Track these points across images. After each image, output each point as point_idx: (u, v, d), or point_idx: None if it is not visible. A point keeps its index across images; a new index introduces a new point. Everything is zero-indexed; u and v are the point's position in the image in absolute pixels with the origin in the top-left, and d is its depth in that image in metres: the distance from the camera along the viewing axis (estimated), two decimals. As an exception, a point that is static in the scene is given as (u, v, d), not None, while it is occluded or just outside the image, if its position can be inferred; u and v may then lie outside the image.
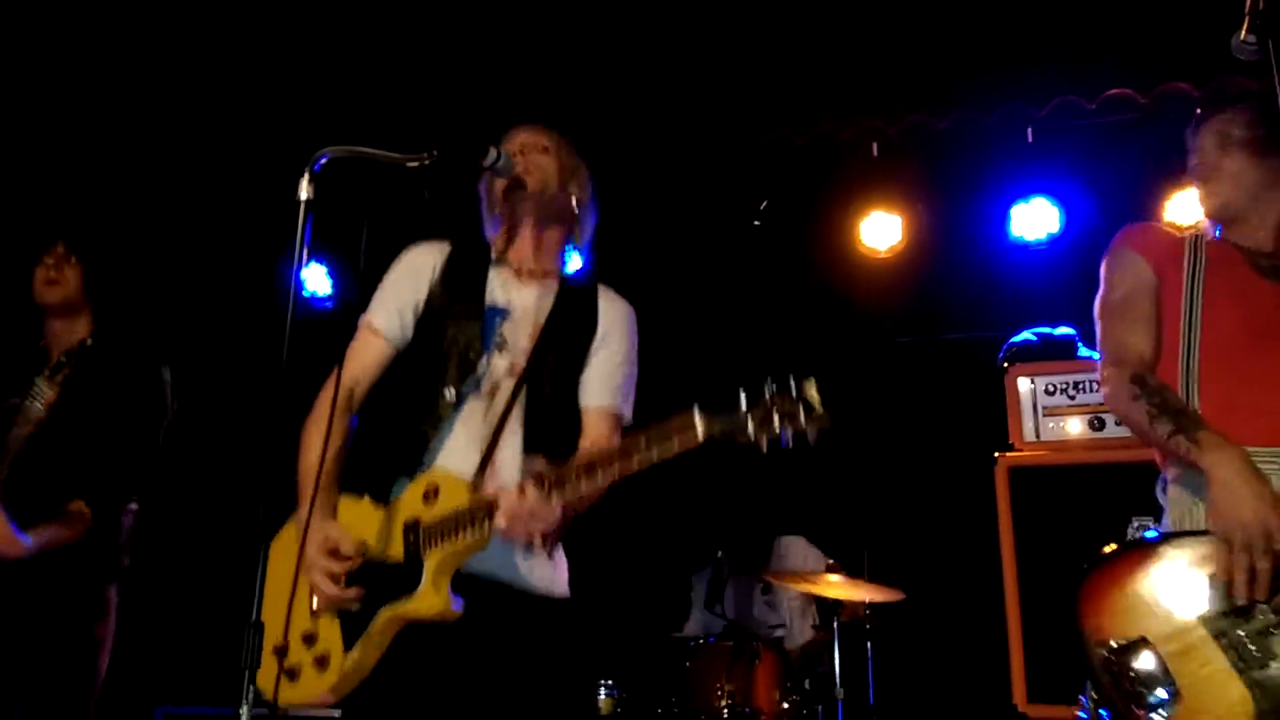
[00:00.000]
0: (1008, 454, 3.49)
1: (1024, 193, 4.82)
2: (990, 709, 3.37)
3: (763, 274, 5.15)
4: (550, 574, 2.13)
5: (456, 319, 2.17)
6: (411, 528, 1.97)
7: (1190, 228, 2.32)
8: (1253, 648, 1.76)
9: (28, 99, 4.42)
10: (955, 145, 4.79)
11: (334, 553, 1.97)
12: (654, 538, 5.18)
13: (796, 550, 4.79)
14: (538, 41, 4.20)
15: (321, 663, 1.95)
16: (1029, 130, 4.73)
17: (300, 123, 4.33)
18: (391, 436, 2.13)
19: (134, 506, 2.97)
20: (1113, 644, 1.82)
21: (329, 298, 5.32)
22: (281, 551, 2.00)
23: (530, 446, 2.07)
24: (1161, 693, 1.76)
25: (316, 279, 5.26)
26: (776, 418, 1.65)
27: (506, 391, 2.10)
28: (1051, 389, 3.55)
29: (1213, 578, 1.82)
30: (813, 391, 1.66)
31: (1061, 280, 4.56)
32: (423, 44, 4.29)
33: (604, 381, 2.19)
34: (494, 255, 2.29)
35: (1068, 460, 3.41)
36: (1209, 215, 2.23)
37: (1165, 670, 1.78)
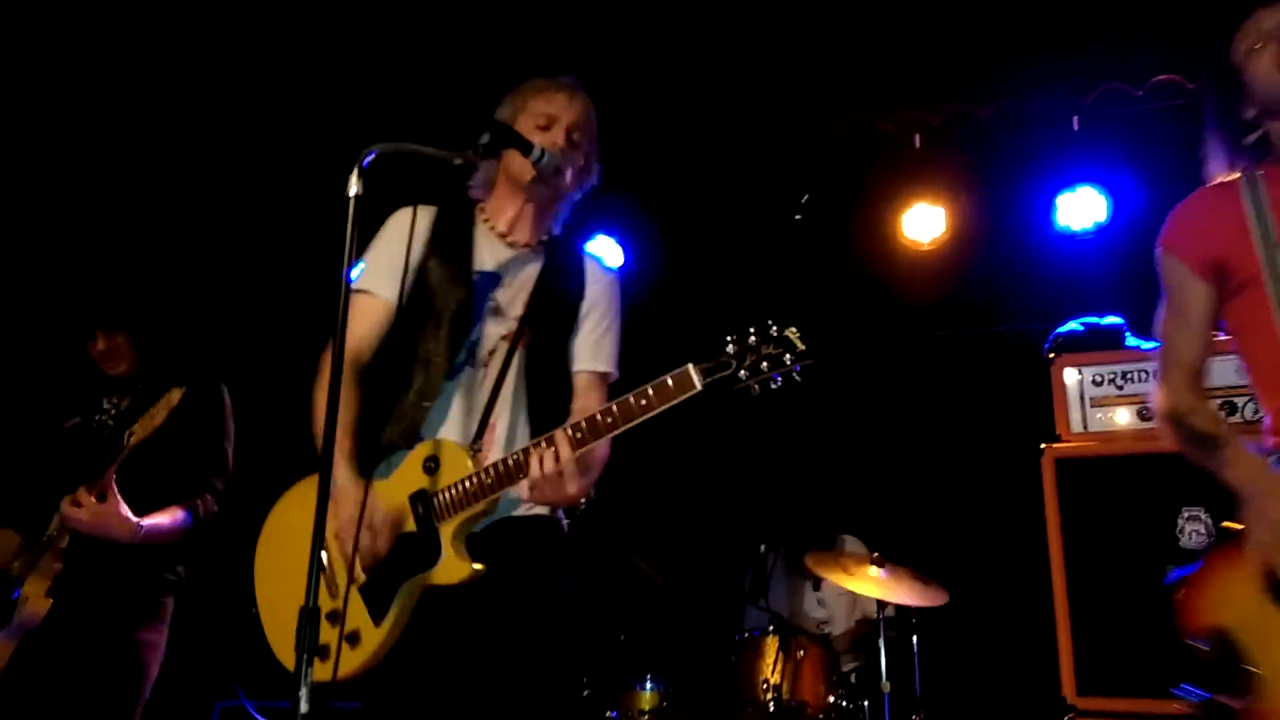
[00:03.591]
0: (1054, 445, 3.45)
1: (1070, 182, 4.77)
2: (1039, 702, 3.34)
3: (805, 267, 5.13)
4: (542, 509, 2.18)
5: (446, 286, 2.17)
6: (419, 498, 2.02)
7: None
8: None
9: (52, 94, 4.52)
10: (999, 134, 4.75)
11: (362, 524, 1.97)
12: (703, 532, 5.20)
13: (850, 548, 4.77)
14: (578, 32, 4.23)
15: (353, 639, 1.99)
16: (1075, 118, 4.67)
17: (338, 125, 4.39)
18: (385, 408, 2.12)
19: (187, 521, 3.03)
20: (1200, 633, 1.88)
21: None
22: (295, 508, 2.10)
23: (534, 410, 2.11)
24: (1249, 678, 1.81)
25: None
26: (763, 361, 1.78)
27: (501, 358, 2.13)
28: (1099, 379, 3.50)
29: None
30: (792, 333, 1.79)
31: (1109, 271, 4.49)
32: (463, 36, 4.33)
33: (594, 346, 2.24)
34: (482, 221, 2.29)
35: (1116, 451, 3.36)
36: (1268, 104, 2.01)
37: (1249, 657, 1.82)
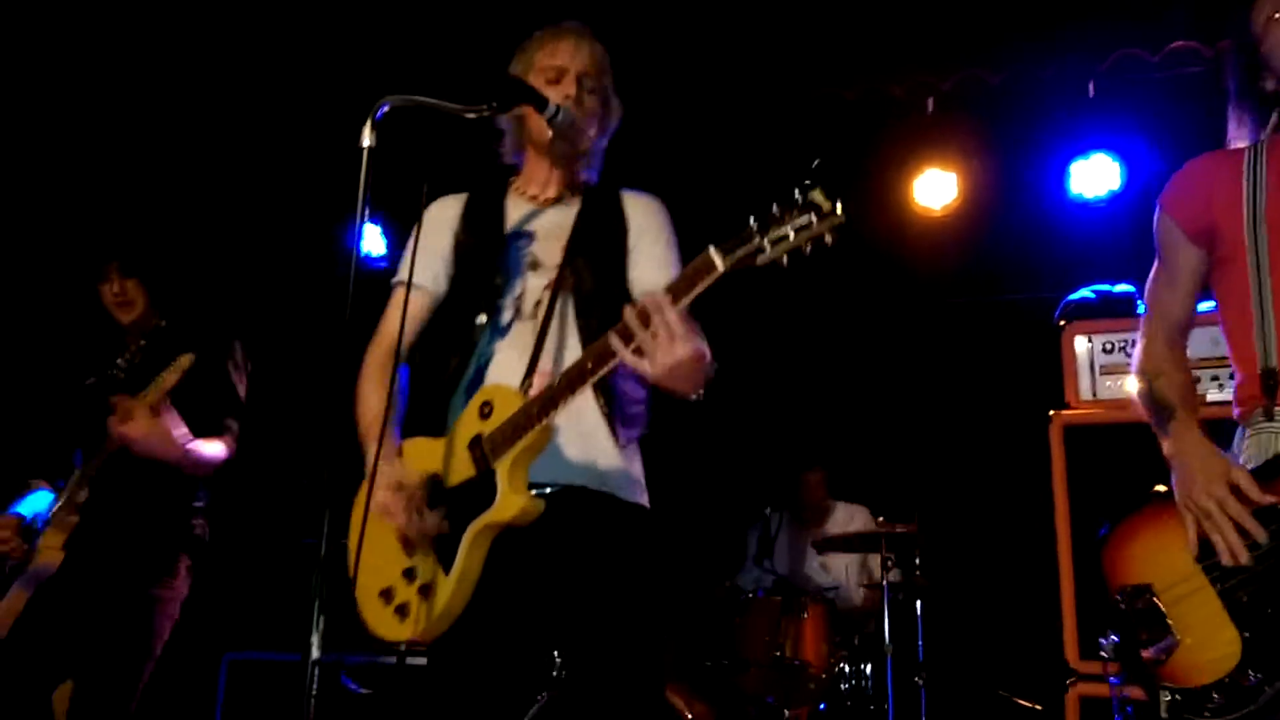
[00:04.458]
0: (1063, 412, 3.45)
1: (1084, 149, 4.73)
2: (1041, 666, 3.37)
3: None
4: (619, 472, 2.11)
5: (483, 256, 2.19)
6: (475, 443, 1.98)
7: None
8: (1240, 592, 1.83)
9: (69, 64, 4.50)
10: (1012, 100, 4.70)
11: (400, 487, 1.98)
12: (706, 491, 5.22)
13: (857, 519, 4.80)
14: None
15: (426, 591, 1.98)
16: (1090, 84, 4.62)
17: (348, 85, 4.37)
18: (441, 378, 2.15)
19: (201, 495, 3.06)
20: (1124, 589, 1.94)
21: (383, 258, 5.40)
22: (361, 505, 2.03)
23: (589, 345, 2.01)
24: (1163, 634, 1.87)
25: (371, 239, 5.33)
26: (790, 230, 1.61)
27: (545, 306, 2.10)
28: (1109, 347, 3.50)
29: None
30: (819, 195, 1.62)
31: (1123, 238, 4.46)
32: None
33: (654, 268, 2.15)
34: (515, 187, 2.29)
35: (1124, 418, 3.34)
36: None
37: (1164, 614, 1.88)
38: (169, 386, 2.75)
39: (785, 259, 1.63)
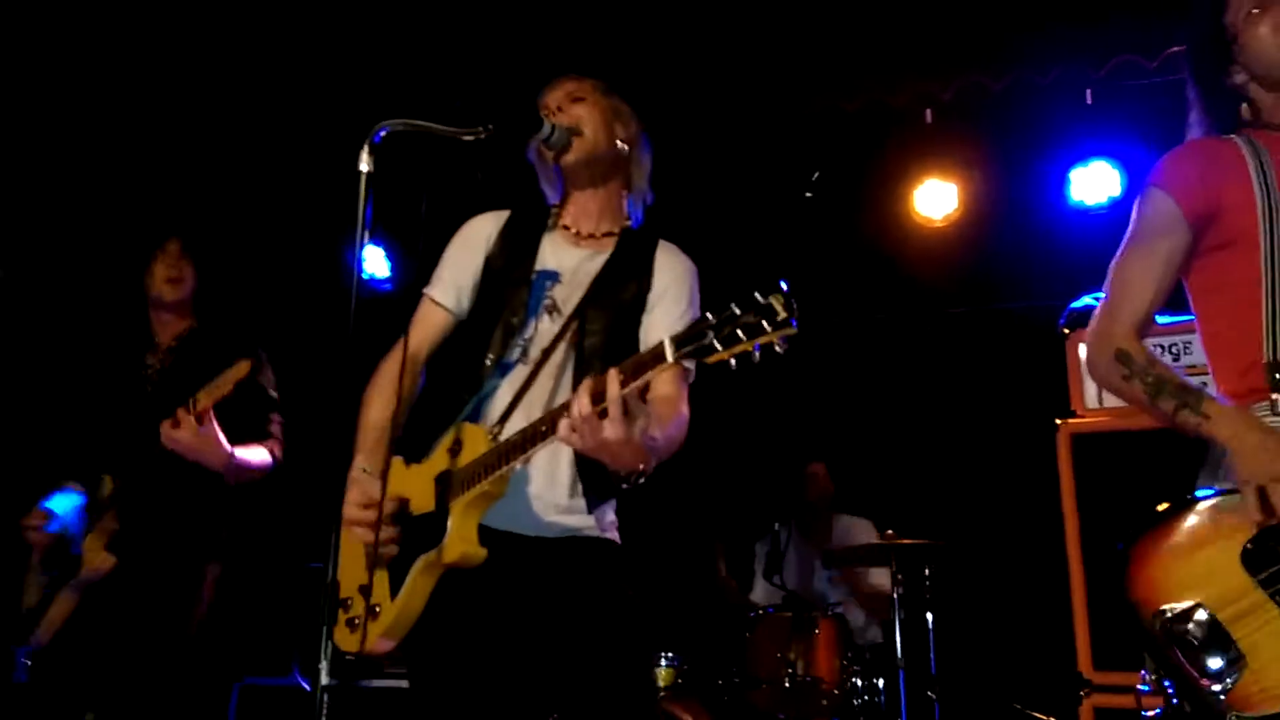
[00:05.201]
0: (1069, 420, 3.44)
1: (1083, 156, 4.73)
2: (1054, 677, 3.34)
3: (816, 245, 5.11)
4: (585, 526, 2.12)
5: (507, 286, 2.19)
6: (440, 479, 2.02)
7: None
8: None
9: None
10: (1012, 108, 4.70)
11: (370, 505, 2.01)
12: (715, 507, 5.21)
13: (862, 533, 4.78)
14: (589, 9, 4.20)
15: (374, 612, 2.03)
16: (1088, 91, 4.62)
17: (348, 106, 4.39)
18: (439, 404, 2.17)
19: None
20: (1167, 612, 1.75)
21: (387, 280, 5.41)
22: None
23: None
24: (1224, 658, 1.71)
25: (374, 261, 5.35)
26: (741, 333, 1.60)
27: (556, 354, 2.10)
28: (1114, 354, 3.48)
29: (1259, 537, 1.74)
30: (777, 300, 1.59)
31: (1124, 246, 4.45)
32: (471, 14, 4.31)
33: (663, 333, 2.12)
34: (551, 222, 2.28)
35: (1130, 425, 3.34)
36: (1264, 71, 1.96)
37: (1225, 634, 1.72)
38: (223, 394, 2.75)
39: (734, 362, 1.62)
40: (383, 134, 1.80)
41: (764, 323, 1.59)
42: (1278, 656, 1.68)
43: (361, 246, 1.86)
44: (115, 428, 2.98)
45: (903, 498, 4.84)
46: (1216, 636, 1.72)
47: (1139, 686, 1.83)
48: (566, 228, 2.27)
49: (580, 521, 2.11)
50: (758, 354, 1.62)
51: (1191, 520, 1.82)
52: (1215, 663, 1.70)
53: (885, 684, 4.01)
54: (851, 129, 4.88)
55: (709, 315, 1.63)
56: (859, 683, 3.93)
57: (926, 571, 4.12)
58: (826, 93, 4.79)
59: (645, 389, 1.81)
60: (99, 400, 3.09)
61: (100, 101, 4.60)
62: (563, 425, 1.77)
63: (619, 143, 2.25)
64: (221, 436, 2.82)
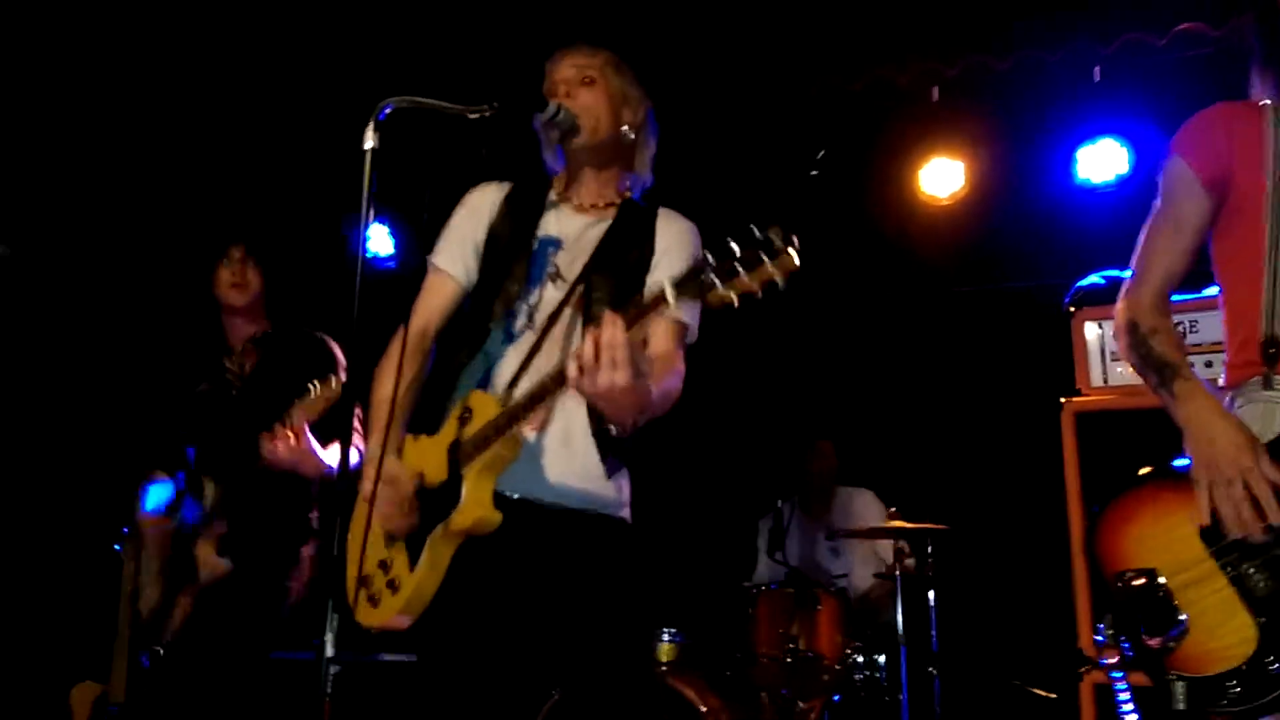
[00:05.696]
0: (1074, 399, 3.44)
1: (1091, 134, 4.70)
2: (1054, 654, 3.36)
3: (822, 223, 5.10)
4: (604, 495, 2.13)
5: (509, 255, 2.20)
6: (452, 448, 2.03)
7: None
8: (1256, 577, 1.77)
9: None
10: (1018, 86, 4.67)
11: (391, 482, 2.03)
12: (719, 484, 5.23)
13: (863, 503, 4.81)
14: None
15: (393, 586, 2.04)
16: (1095, 69, 4.59)
17: (353, 84, 4.38)
18: (446, 374, 2.18)
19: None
20: (1125, 574, 1.87)
21: (391, 258, 5.41)
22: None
23: None
24: (1170, 622, 1.81)
25: (379, 239, 5.34)
26: (741, 269, 1.58)
27: (562, 320, 2.11)
28: (1119, 333, 3.48)
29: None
30: (776, 234, 1.58)
31: (1131, 224, 4.40)
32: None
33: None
34: (552, 193, 2.29)
35: (1136, 405, 3.33)
36: None
37: (1173, 600, 1.82)
38: (316, 413, 2.87)
39: (736, 299, 1.61)
40: (388, 111, 1.80)
41: (763, 255, 1.57)
42: (1220, 624, 1.78)
43: (366, 225, 1.86)
44: (208, 432, 3.12)
45: (907, 475, 4.85)
46: (1167, 600, 1.83)
47: (1095, 637, 1.92)
48: (568, 199, 2.27)
49: (599, 488, 2.12)
50: (761, 291, 1.60)
51: (1162, 488, 1.91)
52: (1163, 625, 1.81)
53: (887, 660, 4.04)
54: (857, 107, 4.86)
55: (707, 254, 1.63)
56: (860, 659, 3.96)
57: (929, 549, 4.13)
58: (832, 72, 4.77)
59: (645, 343, 1.84)
60: (187, 403, 3.21)
61: (108, 84, 4.60)
62: (570, 367, 1.77)
63: (624, 129, 2.26)
64: (317, 448, 2.93)
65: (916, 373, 5.15)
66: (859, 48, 4.71)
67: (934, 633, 4.08)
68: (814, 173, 5.08)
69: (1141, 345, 1.96)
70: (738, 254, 1.59)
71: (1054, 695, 3.92)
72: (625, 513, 2.18)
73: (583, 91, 2.22)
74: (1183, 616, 1.81)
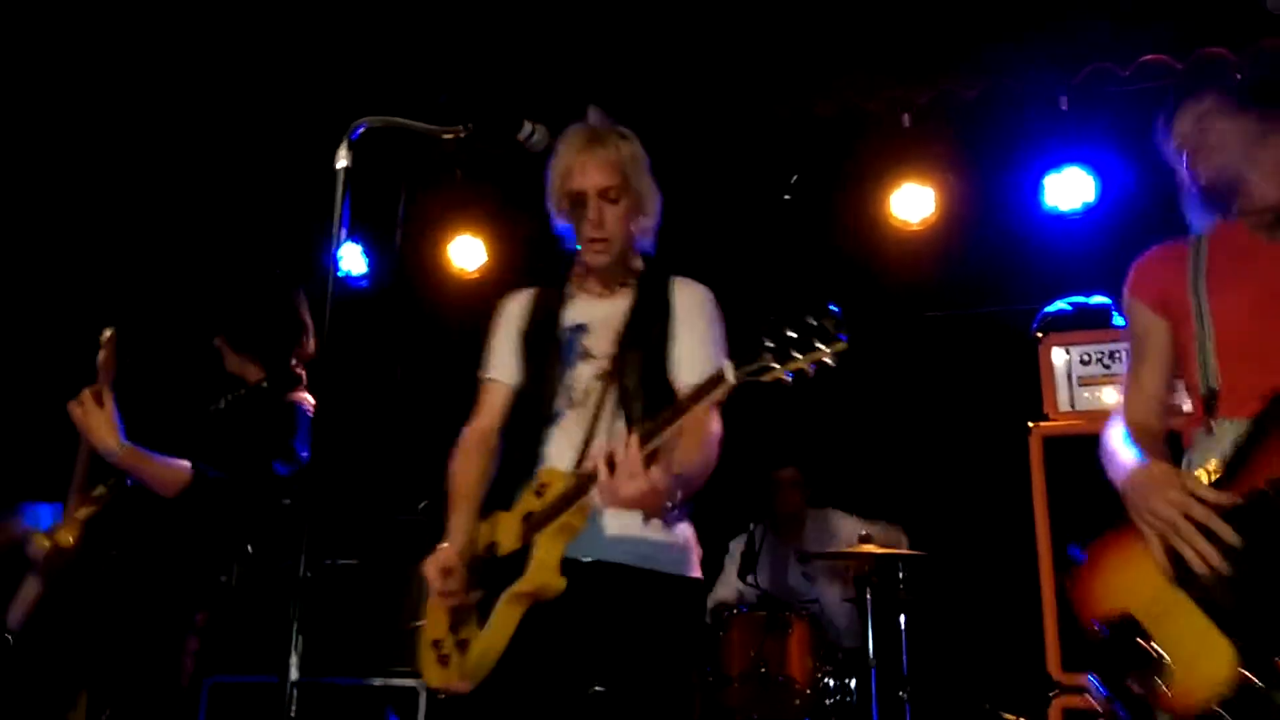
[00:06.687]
0: (1042, 424, 3.47)
1: (1057, 162, 4.78)
2: (1024, 678, 3.38)
3: (792, 248, 5.14)
4: (667, 548, 2.23)
5: (543, 348, 2.36)
6: (526, 519, 2.15)
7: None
8: (1225, 599, 1.79)
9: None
10: (988, 114, 4.74)
11: (446, 572, 2.17)
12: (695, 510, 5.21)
13: (837, 520, 4.82)
14: (566, 12, 4.20)
15: (463, 646, 2.16)
16: (1063, 98, 4.67)
17: (328, 102, 4.37)
18: (508, 462, 2.36)
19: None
20: (1101, 623, 1.89)
21: (364, 276, 5.39)
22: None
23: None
24: (1153, 661, 1.80)
25: (352, 258, 5.32)
26: (795, 351, 1.73)
27: (597, 395, 2.24)
28: (1086, 358, 3.53)
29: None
30: (828, 322, 1.73)
31: (1097, 251, 4.51)
32: (449, 15, 4.30)
33: (689, 358, 2.27)
34: (571, 286, 2.44)
35: (1102, 430, 3.38)
36: (1209, 187, 2.18)
37: (1150, 639, 1.83)
38: (107, 370, 2.82)
39: (788, 379, 1.77)
40: (361, 130, 1.80)
41: (818, 342, 1.73)
42: (1199, 653, 1.77)
43: (339, 244, 1.85)
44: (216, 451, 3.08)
45: (877, 499, 4.86)
46: (1144, 642, 1.83)
47: (1089, 696, 1.94)
48: (586, 289, 2.42)
49: (660, 536, 2.21)
50: (812, 370, 1.76)
51: (1124, 535, 1.97)
52: (1146, 667, 1.81)
53: (857, 684, 4.04)
54: (829, 133, 4.91)
55: (765, 340, 1.77)
56: (831, 683, 3.96)
57: (900, 573, 4.15)
58: (803, 98, 4.82)
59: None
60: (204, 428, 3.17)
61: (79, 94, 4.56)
62: (593, 492, 1.97)
63: (639, 235, 2.40)
64: (114, 421, 2.77)
65: (886, 397, 5.18)
66: (832, 74, 4.77)
67: (905, 656, 4.09)
68: (786, 197, 5.12)
69: (1106, 447, 2.20)
70: (794, 339, 1.73)
71: (1023, 719, 3.93)
72: (689, 566, 2.29)
73: (607, 211, 2.30)
74: (1163, 655, 1.81)
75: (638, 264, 2.44)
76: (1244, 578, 1.77)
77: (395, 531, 4.08)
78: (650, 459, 1.91)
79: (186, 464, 2.92)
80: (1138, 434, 2.14)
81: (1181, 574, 1.84)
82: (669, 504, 2.02)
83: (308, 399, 3.12)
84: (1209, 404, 2.03)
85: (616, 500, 1.92)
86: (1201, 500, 1.83)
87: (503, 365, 2.43)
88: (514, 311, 2.47)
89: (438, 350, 5.24)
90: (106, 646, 2.88)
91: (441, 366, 4.89)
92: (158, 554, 2.98)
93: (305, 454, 3.01)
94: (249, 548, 3.09)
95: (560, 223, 2.41)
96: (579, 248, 2.39)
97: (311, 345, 3.17)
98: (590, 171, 2.29)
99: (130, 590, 2.93)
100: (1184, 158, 2.20)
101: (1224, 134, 2.13)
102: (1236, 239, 2.15)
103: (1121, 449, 2.11)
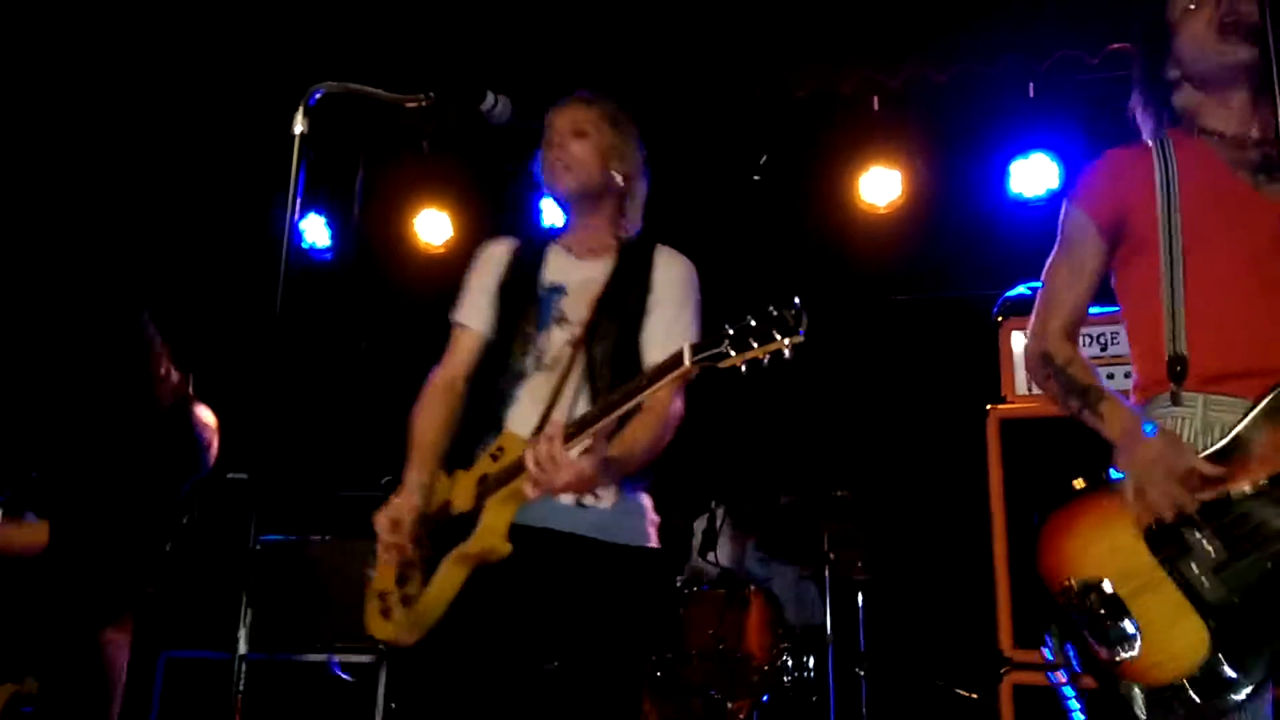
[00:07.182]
0: (999, 406, 3.51)
1: (1024, 148, 4.81)
2: (977, 654, 3.43)
3: (760, 228, 5.14)
4: (623, 524, 2.23)
5: (520, 303, 2.34)
6: (480, 481, 2.16)
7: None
8: (1205, 581, 1.78)
9: None
10: (956, 99, 4.77)
11: (394, 524, 2.19)
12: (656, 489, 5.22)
13: None
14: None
15: (406, 601, 2.18)
16: (1030, 85, 4.70)
17: (290, 66, 4.29)
18: (474, 417, 2.34)
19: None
20: (1073, 585, 1.85)
21: (327, 249, 5.33)
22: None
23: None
24: (1123, 630, 1.79)
25: (315, 230, 5.25)
26: (754, 340, 1.74)
27: (565, 362, 2.24)
28: (1045, 343, 3.56)
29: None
30: (788, 314, 1.73)
31: (1060, 238, 4.54)
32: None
33: (661, 337, 2.26)
34: (554, 244, 2.42)
35: (1059, 412, 3.41)
36: (1192, 70, 2.02)
37: (1125, 608, 1.81)
38: None
39: (744, 367, 1.77)
40: (319, 96, 1.78)
41: (776, 332, 1.73)
42: (1170, 629, 1.77)
43: (297, 214, 1.83)
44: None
45: (836, 479, 4.90)
46: (1117, 610, 1.81)
47: (1044, 651, 1.92)
48: (568, 247, 2.40)
49: (612, 505, 2.21)
50: (766, 360, 1.77)
51: (1102, 499, 1.90)
52: (1115, 635, 1.79)
53: (815, 661, 4.08)
54: (799, 115, 4.91)
55: (726, 326, 1.77)
56: (789, 660, 4.00)
57: (859, 562, 4.19)
58: (775, 78, 4.81)
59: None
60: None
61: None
62: (524, 483, 1.97)
63: (614, 175, 2.37)
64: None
65: (849, 378, 5.22)
66: (804, 55, 4.76)
67: (861, 634, 4.14)
68: (756, 177, 5.12)
69: (1060, 374, 2.03)
70: (753, 326, 1.74)
71: (975, 695, 4.00)
72: (644, 536, 2.27)
73: (574, 142, 2.34)
74: (1135, 626, 1.79)
75: (623, 232, 2.43)
76: (1228, 563, 1.76)
77: (359, 506, 4.06)
78: (590, 441, 1.95)
79: (43, 537, 2.92)
80: (1065, 361, 2.02)
81: (1169, 552, 1.81)
82: (613, 480, 2.06)
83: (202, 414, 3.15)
84: (1174, 371, 1.92)
85: (541, 492, 1.96)
86: (1199, 471, 1.78)
87: (477, 312, 2.39)
88: (495, 258, 2.44)
89: (403, 325, 5.20)
90: (18, 644, 2.85)
91: (407, 342, 4.86)
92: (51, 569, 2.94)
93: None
94: (184, 519, 3.07)
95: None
96: (568, 217, 2.42)
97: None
98: (560, 117, 2.37)
99: (36, 591, 2.89)
100: (1195, 19, 1.99)
101: (1196, 33, 1.98)
102: (1216, 178, 1.97)
103: (1091, 385, 1.97)
